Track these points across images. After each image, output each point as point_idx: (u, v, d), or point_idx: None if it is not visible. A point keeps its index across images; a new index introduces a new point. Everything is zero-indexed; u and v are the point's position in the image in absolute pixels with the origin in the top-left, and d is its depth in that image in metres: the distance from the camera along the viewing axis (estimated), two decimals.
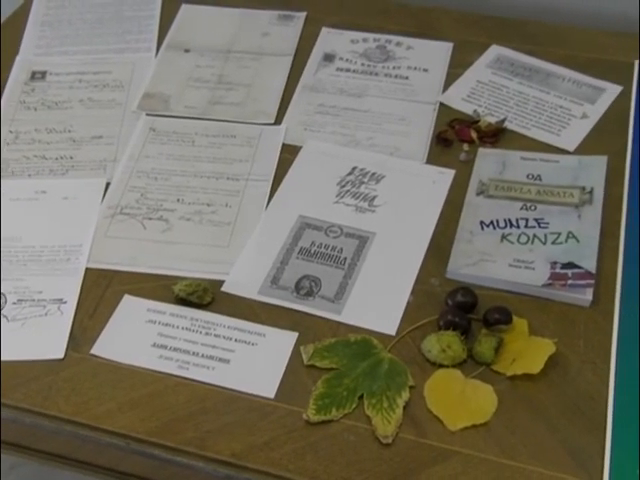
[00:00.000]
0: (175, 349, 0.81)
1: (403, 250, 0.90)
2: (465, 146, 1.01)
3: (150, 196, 0.97)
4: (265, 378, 0.79)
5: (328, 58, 1.15)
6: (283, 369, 0.79)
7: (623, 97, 1.07)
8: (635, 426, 0.74)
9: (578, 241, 0.88)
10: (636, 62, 1.10)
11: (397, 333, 0.82)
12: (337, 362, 0.80)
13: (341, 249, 0.90)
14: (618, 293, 0.85)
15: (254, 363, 0.80)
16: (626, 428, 0.74)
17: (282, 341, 0.82)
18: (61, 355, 0.81)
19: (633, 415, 0.75)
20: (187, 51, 1.17)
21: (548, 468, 0.72)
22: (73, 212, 0.95)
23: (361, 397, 0.77)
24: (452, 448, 0.74)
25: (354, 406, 0.76)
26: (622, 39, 1.15)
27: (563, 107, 1.06)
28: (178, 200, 0.96)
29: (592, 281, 0.85)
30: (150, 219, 0.94)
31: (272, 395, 0.78)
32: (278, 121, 1.06)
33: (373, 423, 0.75)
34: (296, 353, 0.81)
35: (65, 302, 0.85)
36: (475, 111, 1.06)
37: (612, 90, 1.08)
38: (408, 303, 0.85)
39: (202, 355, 0.81)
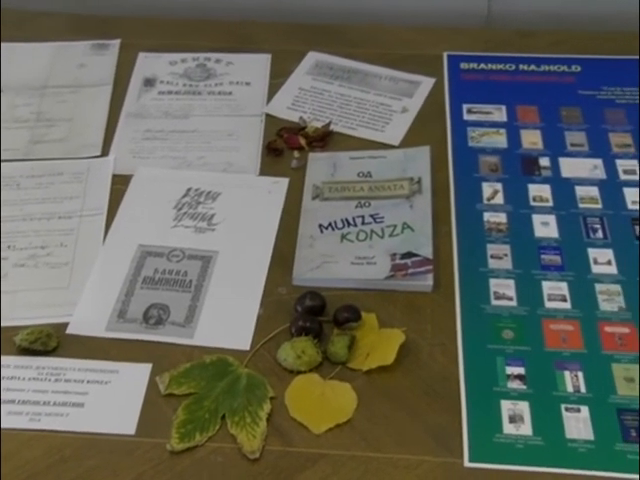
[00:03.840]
0: (24, 402, 0.78)
1: (247, 264, 0.90)
2: (295, 153, 1.03)
3: None
4: (123, 415, 0.77)
5: (149, 83, 1.14)
6: (141, 403, 0.78)
7: (437, 88, 1.12)
8: (487, 398, 0.78)
9: (413, 230, 0.92)
10: (445, 54, 1.16)
11: (251, 347, 0.82)
12: (195, 386, 0.79)
13: (185, 272, 0.89)
14: (457, 274, 0.89)
15: (110, 402, 0.78)
16: (479, 402, 0.78)
17: (136, 375, 0.80)
18: None
19: (484, 388, 0.79)
20: None
21: (413, 453, 0.74)
22: None
23: (223, 417, 0.76)
24: (319, 451, 0.75)
25: (217, 427, 0.76)
26: (430, 34, 1.20)
27: (384, 104, 1.10)
28: (9, 247, 0.92)
29: (431, 267, 0.88)
30: None
31: (132, 431, 0.76)
32: (105, 152, 1.04)
33: (238, 441, 0.75)
34: (152, 384, 0.79)
35: None
36: (301, 118, 1.07)
37: (427, 83, 1.13)
38: (259, 316, 0.85)
39: (54, 403, 0.78)
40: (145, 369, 0.81)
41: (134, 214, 0.96)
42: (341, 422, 0.76)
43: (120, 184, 1.00)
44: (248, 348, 0.82)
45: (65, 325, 0.84)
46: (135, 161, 1.03)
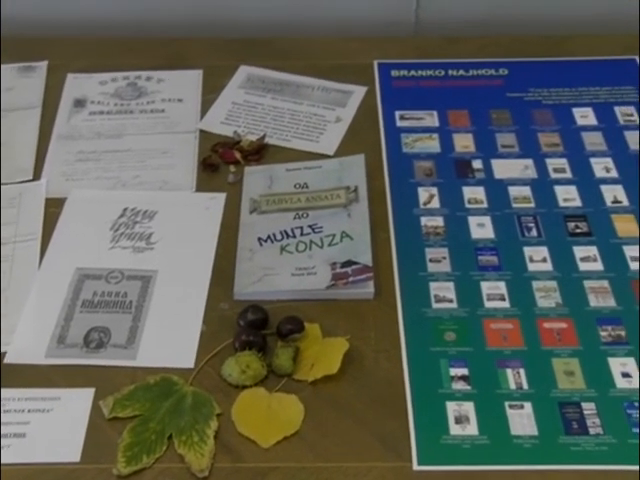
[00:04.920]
0: None
1: (188, 281, 0.90)
2: (231, 167, 1.03)
3: None
4: (67, 443, 0.75)
5: (79, 103, 1.12)
6: (84, 429, 0.76)
7: (369, 96, 1.13)
8: (432, 400, 0.79)
9: (352, 239, 0.92)
10: (375, 62, 1.17)
11: (196, 365, 0.82)
12: (140, 408, 0.78)
13: (125, 293, 0.88)
14: (397, 280, 0.89)
15: (52, 430, 0.76)
16: (425, 405, 0.78)
17: (79, 400, 0.79)
18: None
19: (429, 391, 0.79)
20: None
21: (362, 460, 0.75)
22: None
23: (170, 437, 0.76)
24: (269, 465, 0.74)
25: (165, 448, 0.75)
26: (359, 43, 1.21)
27: (317, 114, 1.11)
28: None
29: (371, 274, 0.88)
30: None
31: (77, 459, 0.74)
32: (37, 176, 1.02)
33: (187, 460, 0.74)
34: (96, 409, 0.78)
35: None
36: (235, 132, 1.07)
37: (359, 91, 1.14)
38: (202, 333, 0.85)
39: None
40: (88, 394, 0.79)
41: (70, 237, 0.95)
42: (289, 434, 0.76)
43: (54, 207, 0.98)
44: (192, 366, 0.82)
45: (3, 355, 0.83)
46: (68, 184, 1.01)
